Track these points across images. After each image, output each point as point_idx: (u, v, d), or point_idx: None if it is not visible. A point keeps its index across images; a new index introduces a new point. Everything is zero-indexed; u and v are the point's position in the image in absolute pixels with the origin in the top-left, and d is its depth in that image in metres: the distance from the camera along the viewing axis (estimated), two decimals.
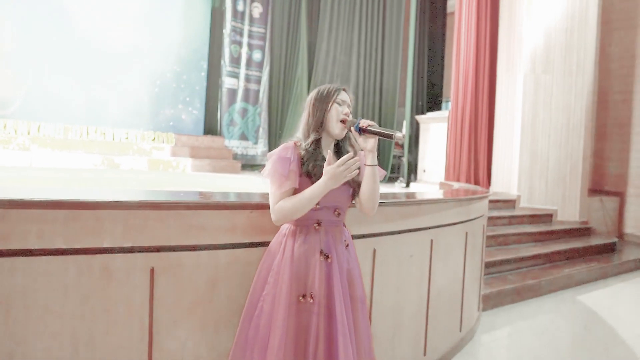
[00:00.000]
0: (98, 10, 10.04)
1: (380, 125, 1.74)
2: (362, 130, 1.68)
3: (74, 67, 9.79)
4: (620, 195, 8.12)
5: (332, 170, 1.58)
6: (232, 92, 11.93)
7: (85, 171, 8.24)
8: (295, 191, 1.69)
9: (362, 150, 1.75)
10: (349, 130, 1.73)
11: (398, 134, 1.64)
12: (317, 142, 1.73)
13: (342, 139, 1.79)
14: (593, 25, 6.88)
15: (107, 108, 10.22)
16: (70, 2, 9.75)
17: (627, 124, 8.15)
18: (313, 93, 1.80)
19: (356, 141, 1.75)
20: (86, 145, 9.48)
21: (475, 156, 7.64)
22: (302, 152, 1.70)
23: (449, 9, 10.59)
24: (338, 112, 1.73)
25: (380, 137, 1.68)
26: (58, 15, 9.61)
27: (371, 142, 1.69)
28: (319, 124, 1.73)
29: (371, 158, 1.71)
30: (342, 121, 1.73)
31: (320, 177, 1.64)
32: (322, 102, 1.74)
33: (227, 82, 11.83)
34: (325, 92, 1.76)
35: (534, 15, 6.95)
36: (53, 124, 9.36)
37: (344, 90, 1.79)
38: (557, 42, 6.89)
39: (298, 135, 1.78)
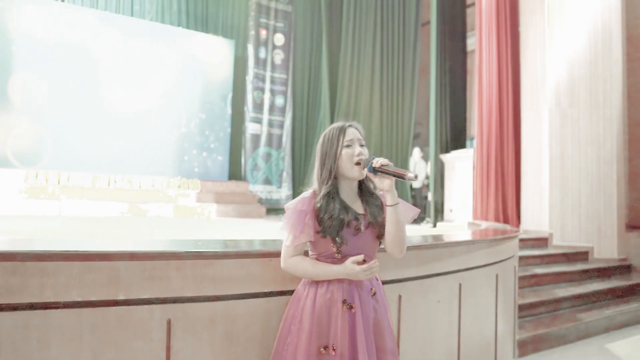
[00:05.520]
0: (124, 63, 10.45)
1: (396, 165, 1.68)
2: (375, 170, 1.62)
3: (101, 117, 10.11)
4: None
5: (355, 272, 1.58)
6: (256, 138, 12.10)
7: (111, 219, 8.36)
8: (310, 243, 1.67)
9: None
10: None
11: (410, 174, 1.56)
12: (328, 195, 1.65)
13: (365, 178, 1.71)
14: (618, 55, 6.78)
15: (133, 156, 10.46)
16: (97, 57, 10.17)
17: None
18: (319, 142, 1.73)
19: (372, 181, 1.69)
20: (113, 194, 9.65)
21: (503, 194, 7.46)
22: (317, 205, 1.64)
23: (469, 47, 10.66)
24: (350, 156, 1.66)
25: (395, 177, 1.62)
26: (85, 70, 10.01)
27: (387, 182, 1.62)
28: (328, 176, 1.66)
29: (390, 198, 1.64)
30: (358, 163, 1.66)
31: (335, 234, 1.61)
32: (330, 151, 1.67)
33: (251, 128, 12.03)
34: (330, 138, 1.68)
35: (555, 49, 6.91)
36: (82, 173, 9.61)
37: (350, 126, 1.70)
38: (582, 75, 6.80)
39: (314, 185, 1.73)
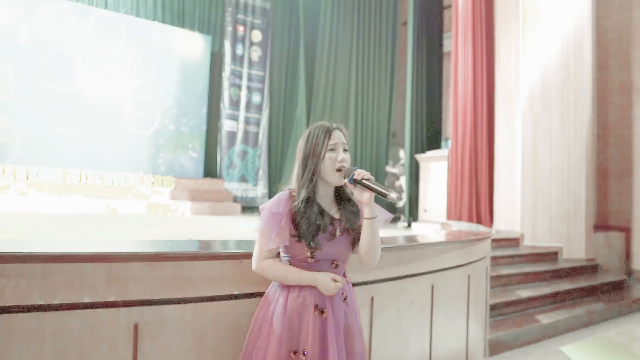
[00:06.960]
0: (97, 57, 10.22)
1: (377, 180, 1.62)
2: (356, 182, 1.58)
3: (73, 112, 9.87)
4: (626, 230, 7.98)
5: (329, 288, 1.59)
6: (232, 135, 11.99)
7: (81, 216, 8.17)
8: (284, 246, 1.63)
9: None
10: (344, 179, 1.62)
11: (392, 195, 1.50)
12: (308, 200, 1.61)
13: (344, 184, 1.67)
14: (588, 60, 6.93)
15: (106, 152, 10.25)
16: (69, 49, 9.93)
17: (629, 158, 8.10)
18: (302, 141, 1.66)
19: (352, 192, 1.66)
20: (84, 190, 9.44)
21: (476, 194, 7.57)
22: (295, 209, 1.60)
23: (445, 49, 10.76)
24: (332, 161, 1.61)
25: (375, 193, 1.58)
26: (57, 62, 9.76)
27: (367, 195, 1.58)
28: (310, 179, 1.61)
29: (368, 211, 1.61)
30: (339, 169, 1.62)
31: (310, 239, 1.58)
32: (313, 153, 1.61)
33: (227, 125, 11.91)
34: (314, 138, 1.62)
35: (529, 53, 7.03)
36: (51, 169, 9.36)
37: (336, 128, 1.64)
38: (554, 79, 6.94)
39: (292, 185, 1.68)
